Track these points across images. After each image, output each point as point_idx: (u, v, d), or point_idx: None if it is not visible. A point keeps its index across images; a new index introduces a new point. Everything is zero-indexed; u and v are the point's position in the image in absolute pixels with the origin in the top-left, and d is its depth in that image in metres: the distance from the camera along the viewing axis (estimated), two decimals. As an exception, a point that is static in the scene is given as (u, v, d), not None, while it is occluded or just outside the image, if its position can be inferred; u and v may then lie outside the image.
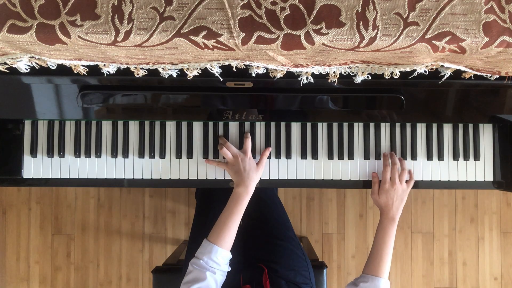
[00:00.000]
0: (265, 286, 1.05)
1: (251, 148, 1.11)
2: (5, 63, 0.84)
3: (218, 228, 1.01)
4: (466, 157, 1.15)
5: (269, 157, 1.14)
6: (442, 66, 0.86)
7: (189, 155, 1.13)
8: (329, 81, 0.94)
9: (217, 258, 0.97)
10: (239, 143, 1.13)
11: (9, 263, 2.04)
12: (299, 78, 0.93)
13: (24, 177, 1.13)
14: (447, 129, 1.15)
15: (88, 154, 1.12)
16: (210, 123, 1.14)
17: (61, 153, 1.12)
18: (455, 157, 1.15)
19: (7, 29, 0.71)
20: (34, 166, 1.13)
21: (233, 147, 1.10)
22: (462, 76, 0.93)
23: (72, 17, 0.71)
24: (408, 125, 1.15)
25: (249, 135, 1.11)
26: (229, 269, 1.02)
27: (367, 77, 0.92)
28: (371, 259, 1.05)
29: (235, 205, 1.03)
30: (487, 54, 0.76)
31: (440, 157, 1.14)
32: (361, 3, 0.71)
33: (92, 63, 0.86)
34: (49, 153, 1.12)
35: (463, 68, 0.87)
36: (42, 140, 1.13)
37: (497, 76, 0.91)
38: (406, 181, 1.11)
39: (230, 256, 1.02)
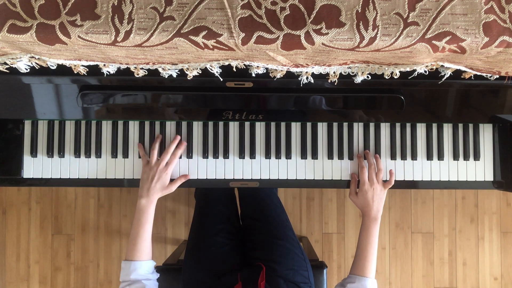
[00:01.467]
0: (260, 286, 1.05)
1: (248, 148, 1.11)
2: (5, 63, 0.84)
3: (132, 244, 1.02)
4: (466, 157, 1.15)
5: (269, 157, 1.13)
6: (442, 66, 0.86)
7: (189, 155, 1.13)
8: (329, 81, 0.94)
9: (142, 270, 0.99)
10: (239, 143, 1.13)
11: (9, 263, 2.04)
12: (299, 78, 0.93)
13: (24, 177, 1.13)
14: (447, 129, 1.15)
15: (88, 154, 1.12)
16: (210, 123, 1.14)
17: (61, 153, 1.12)
18: (455, 157, 1.15)
19: (7, 29, 0.71)
20: (34, 166, 1.13)
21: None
22: (462, 76, 0.93)
23: (72, 17, 0.71)
24: (408, 125, 1.15)
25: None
26: (158, 275, 1.04)
27: (367, 77, 0.92)
28: (357, 259, 1.07)
29: (141, 217, 1.03)
30: (487, 54, 0.76)
31: (440, 157, 1.14)
32: (361, 3, 0.72)
33: (92, 63, 0.86)
34: (49, 153, 1.12)
35: (463, 68, 0.87)
36: (42, 140, 1.13)
37: (497, 76, 0.91)
38: (385, 181, 1.11)
39: (153, 263, 1.03)
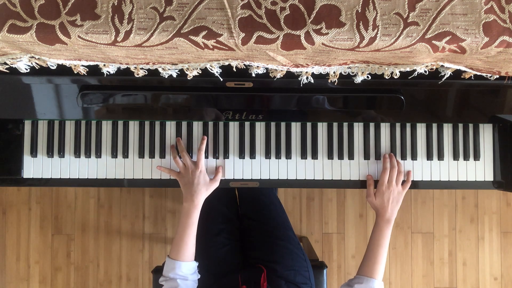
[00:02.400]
0: (263, 287, 1.05)
1: (248, 148, 1.11)
2: (5, 63, 0.84)
3: (176, 245, 1.03)
4: (466, 157, 1.15)
5: (269, 157, 1.14)
6: (442, 66, 0.86)
7: (189, 155, 1.13)
8: (329, 81, 0.94)
9: (182, 271, 1.00)
10: (239, 143, 1.13)
11: (9, 263, 2.04)
12: (299, 78, 0.93)
13: (24, 177, 1.13)
14: (447, 129, 1.15)
15: (88, 154, 1.12)
16: (210, 123, 1.14)
17: (61, 153, 1.12)
18: (455, 157, 1.15)
19: (7, 29, 0.71)
20: (34, 166, 1.13)
21: (188, 157, 1.08)
22: (462, 76, 0.93)
23: (72, 17, 0.71)
24: (408, 125, 1.15)
25: (203, 146, 1.08)
26: (199, 276, 1.05)
27: (367, 77, 0.92)
28: (366, 260, 1.05)
29: (186, 220, 1.04)
30: (487, 54, 0.76)
31: (440, 157, 1.14)
32: (361, 3, 0.72)
33: (92, 63, 0.86)
34: (49, 153, 1.12)
35: (463, 68, 0.87)
36: (42, 140, 1.13)
37: (497, 76, 0.91)
38: (402, 183, 1.11)
39: (195, 264, 1.04)
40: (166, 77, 0.91)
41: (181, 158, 1.09)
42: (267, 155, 1.13)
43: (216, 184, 1.09)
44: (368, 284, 1.01)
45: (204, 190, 1.06)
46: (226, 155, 1.13)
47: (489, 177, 1.15)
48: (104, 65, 0.87)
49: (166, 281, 1.00)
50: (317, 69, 0.89)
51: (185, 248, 1.02)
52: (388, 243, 1.06)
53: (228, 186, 1.13)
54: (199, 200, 1.05)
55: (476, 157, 1.15)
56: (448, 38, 0.72)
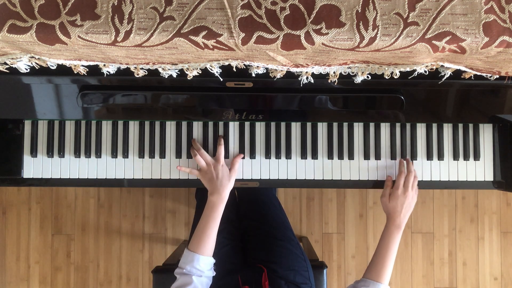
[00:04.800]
0: (264, 286, 1.05)
1: (248, 148, 1.11)
2: (5, 63, 0.84)
3: (197, 237, 1.03)
4: (466, 157, 1.15)
5: (269, 157, 1.14)
6: (442, 66, 0.86)
7: (189, 155, 1.13)
8: (329, 81, 0.94)
9: (200, 266, 0.99)
10: (238, 143, 1.13)
11: (9, 263, 2.04)
12: (299, 78, 0.93)
13: (24, 177, 1.13)
14: (447, 129, 1.15)
15: (88, 154, 1.12)
16: (210, 123, 1.14)
17: (61, 153, 1.12)
18: (455, 157, 1.15)
19: (7, 29, 0.71)
20: (34, 166, 1.13)
21: (206, 154, 1.09)
22: (462, 76, 0.93)
23: (72, 17, 0.71)
24: (408, 125, 1.15)
25: (222, 141, 1.11)
26: (214, 273, 1.04)
27: (367, 77, 0.92)
28: (373, 264, 1.04)
29: (211, 213, 1.04)
30: (487, 54, 0.76)
31: (440, 157, 1.14)
32: (361, 3, 0.71)
33: (92, 63, 0.86)
34: (49, 153, 1.12)
35: (463, 68, 0.87)
36: (42, 140, 1.13)
37: (497, 76, 0.91)
38: None
39: (213, 261, 1.04)
40: (166, 77, 0.91)
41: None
42: (267, 155, 1.13)
43: (235, 174, 1.10)
44: None
45: (228, 182, 1.07)
46: (226, 155, 1.13)
47: (489, 177, 1.15)
48: (104, 65, 0.87)
49: (181, 274, 0.99)
50: (317, 69, 0.89)
51: (207, 241, 1.02)
52: (397, 248, 1.05)
53: (228, 186, 1.13)
54: (225, 193, 1.06)
55: (476, 157, 1.15)
56: (448, 38, 0.72)
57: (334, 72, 0.91)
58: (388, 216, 1.08)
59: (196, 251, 1.01)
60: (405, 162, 1.12)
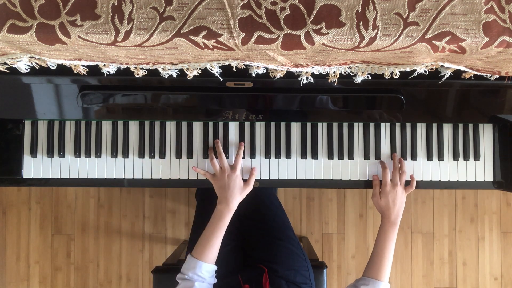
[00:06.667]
0: (265, 286, 1.05)
1: (248, 148, 1.11)
2: (5, 63, 0.84)
3: (201, 244, 1.03)
4: (466, 157, 1.15)
5: (269, 157, 1.14)
6: (442, 66, 0.86)
7: (189, 155, 1.13)
8: (329, 81, 0.94)
9: (202, 273, 0.99)
10: (238, 143, 1.13)
11: (9, 263, 2.04)
12: (299, 78, 0.93)
13: (24, 177, 1.13)
14: (447, 129, 1.15)
15: (88, 154, 1.12)
16: (210, 123, 1.14)
17: (61, 153, 1.12)
18: (455, 157, 1.15)
19: (7, 29, 0.70)
20: (34, 166, 1.13)
21: (225, 159, 1.09)
22: (462, 76, 0.93)
23: (72, 17, 0.71)
24: (408, 125, 1.15)
25: (242, 150, 1.10)
26: (215, 281, 1.04)
27: (367, 77, 0.92)
28: (372, 262, 1.05)
29: (217, 222, 1.04)
30: (487, 54, 0.76)
31: (440, 157, 1.14)
32: (361, 3, 0.71)
33: (92, 63, 0.86)
34: (49, 153, 1.12)
35: (463, 68, 0.87)
36: (42, 140, 1.13)
37: (497, 76, 0.91)
38: (406, 184, 1.11)
39: (215, 268, 1.04)
40: (166, 77, 0.91)
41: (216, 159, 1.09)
42: (267, 155, 1.13)
43: (249, 188, 1.09)
44: (374, 286, 1.01)
45: (239, 194, 1.06)
46: (226, 155, 1.13)
47: (489, 177, 1.15)
48: (104, 65, 0.87)
49: (183, 280, 0.99)
50: (317, 69, 0.89)
51: (211, 249, 1.02)
52: (394, 245, 1.06)
53: (228, 186, 1.13)
54: (234, 205, 1.05)
55: (476, 157, 1.15)
56: (448, 38, 0.72)
57: (334, 72, 0.91)
58: (382, 215, 1.09)
59: (200, 258, 1.01)
60: (391, 158, 1.12)
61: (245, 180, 1.11)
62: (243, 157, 1.13)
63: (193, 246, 1.24)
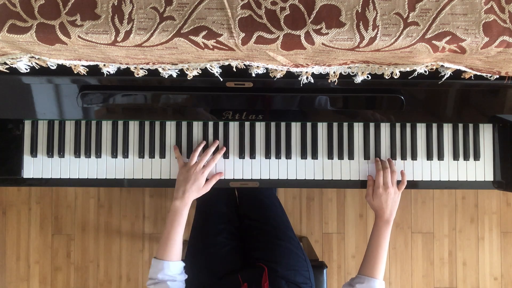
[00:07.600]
0: (264, 287, 1.05)
1: (248, 148, 1.11)
2: (5, 63, 0.84)
3: (163, 244, 1.02)
4: (466, 157, 1.15)
5: (269, 157, 1.13)
6: (442, 66, 0.86)
7: (189, 155, 1.13)
8: (329, 81, 0.94)
9: (171, 271, 0.99)
10: (238, 143, 1.13)
11: (9, 263, 2.04)
12: (299, 78, 0.93)
13: (24, 177, 1.13)
14: (447, 129, 1.15)
15: (88, 154, 1.12)
16: (210, 123, 1.14)
17: (61, 153, 1.12)
18: (455, 157, 1.15)
19: (7, 29, 0.71)
20: (34, 166, 1.13)
21: (196, 155, 1.09)
22: (462, 76, 0.93)
23: (72, 17, 0.71)
24: (408, 125, 1.15)
25: (219, 156, 1.10)
26: (186, 276, 1.04)
27: (367, 77, 0.92)
28: (366, 260, 1.07)
29: (175, 218, 1.04)
30: (487, 54, 0.76)
31: (440, 157, 1.14)
32: (361, 3, 0.71)
33: (92, 63, 0.86)
34: (49, 153, 1.12)
35: (463, 68, 0.87)
36: (42, 140, 1.13)
37: (497, 76, 0.91)
38: (398, 183, 1.11)
39: (182, 264, 1.04)
40: (166, 77, 0.91)
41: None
42: (267, 155, 1.13)
43: (206, 190, 1.09)
44: (369, 283, 1.02)
45: (196, 192, 1.06)
46: (226, 155, 1.13)
47: (489, 177, 1.15)
48: (104, 65, 0.87)
49: (155, 284, 0.98)
50: (317, 69, 0.89)
51: (174, 246, 1.02)
52: (388, 243, 1.07)
53: (228, 186, 1.13)
54: (189, 200, 1.05)
55: (476, 157, 1.15)
56: (448, 38, 0.72)
57: (334, 72, 0.91)
58: (376, 214, 1.11)
59: (164, 258, 1.01)
60: (380, 161, 1.13)
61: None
62: (243, 157, 1.13)
63: (193, 246, 1.24)
